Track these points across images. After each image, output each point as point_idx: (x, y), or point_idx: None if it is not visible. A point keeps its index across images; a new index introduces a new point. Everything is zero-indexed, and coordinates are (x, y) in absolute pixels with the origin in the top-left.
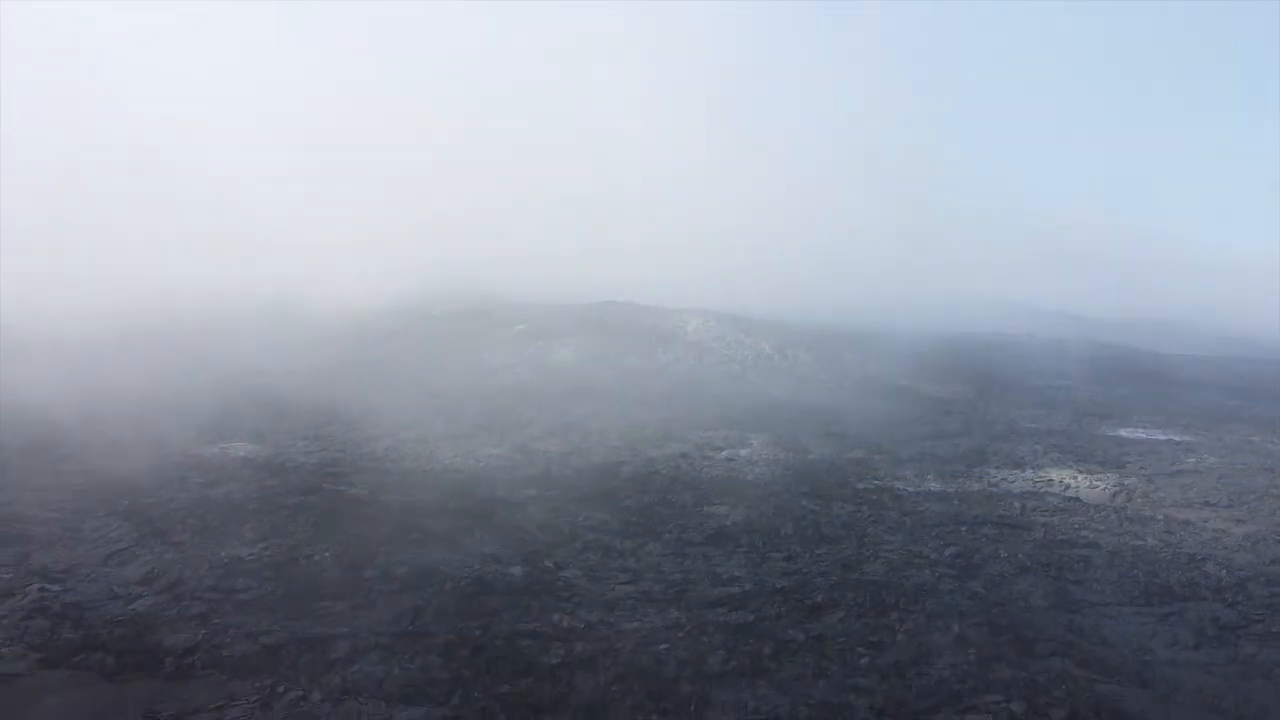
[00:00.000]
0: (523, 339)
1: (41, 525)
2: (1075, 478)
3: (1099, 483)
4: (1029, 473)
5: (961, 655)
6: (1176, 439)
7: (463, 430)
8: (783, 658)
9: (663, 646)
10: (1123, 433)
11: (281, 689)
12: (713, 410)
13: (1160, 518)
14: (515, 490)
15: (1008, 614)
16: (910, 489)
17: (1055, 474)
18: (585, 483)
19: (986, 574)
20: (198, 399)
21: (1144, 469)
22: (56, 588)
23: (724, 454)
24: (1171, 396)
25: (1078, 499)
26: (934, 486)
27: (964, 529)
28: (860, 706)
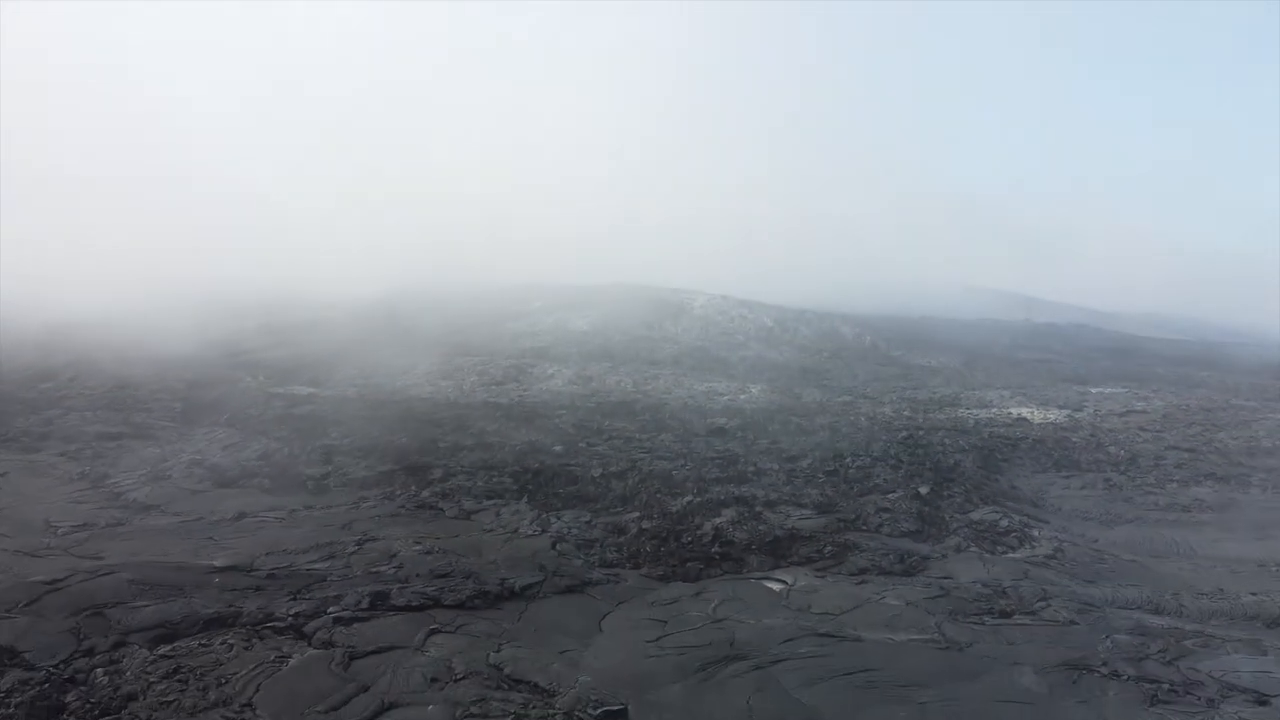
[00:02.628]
0: (541, 312)
1: (160, 431)
2: (1032, 412)
3: (1051, 415)
4: (993, 410)
5: (893, 476)
6: (1138, 393)
7: (494, 379)
8: (761, 476)
9: (673, 471)
10: (1091, 390)
11: (398, 492)
12: (717, 369)
13: (1090, 428)
14: (549, 410)
15: (938, 466)
16: (885, 415)
17: (1015, 410)
18: (606, 410)
19: (930, 451)
20: (255, 357)
21: (1097, 410)
22: (199, 457)
23: (725, 397)
24: (1147, 368)
25: (1027, 420)
26: (906, 414)
27: (921, 431)
28: (813, 494)
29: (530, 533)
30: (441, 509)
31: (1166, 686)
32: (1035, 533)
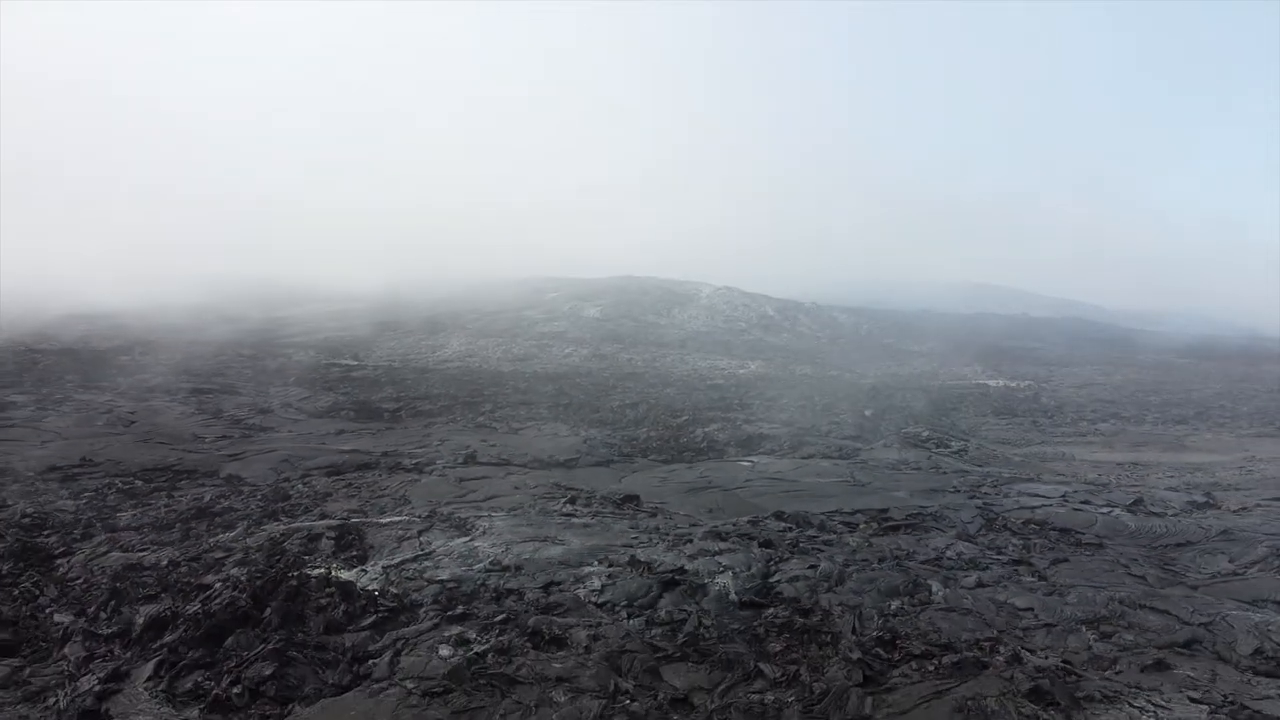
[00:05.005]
0: (557, 301)
1: (243, 388)
2: (998, 382)
3: (1013, 383)
4: (962, 380)
5: (850, 408)
6: (1106, 372)
7: (517, 356)
8: (744, 408)
9: (675, 405)
10: (1062, 369)
11: (459, 418)
12: (720, 350)
13: (1036, 390)
14: (570, 375)
15: (891, 404)
16: (864, 382)
17: (981, 380)
18: (620, 376)
19: (892, 399)
20: (296, 340)
21: (1062, 382)
22: (288, 402)
23: (725, 370)
24: (1128, 355)
25: (987, 385)
26: (886, 380)
27: (888, 387)
28: (782, 416)
29: (566, 436)
30: (495, 427)
31: (984, 491)
32: (952, 443)
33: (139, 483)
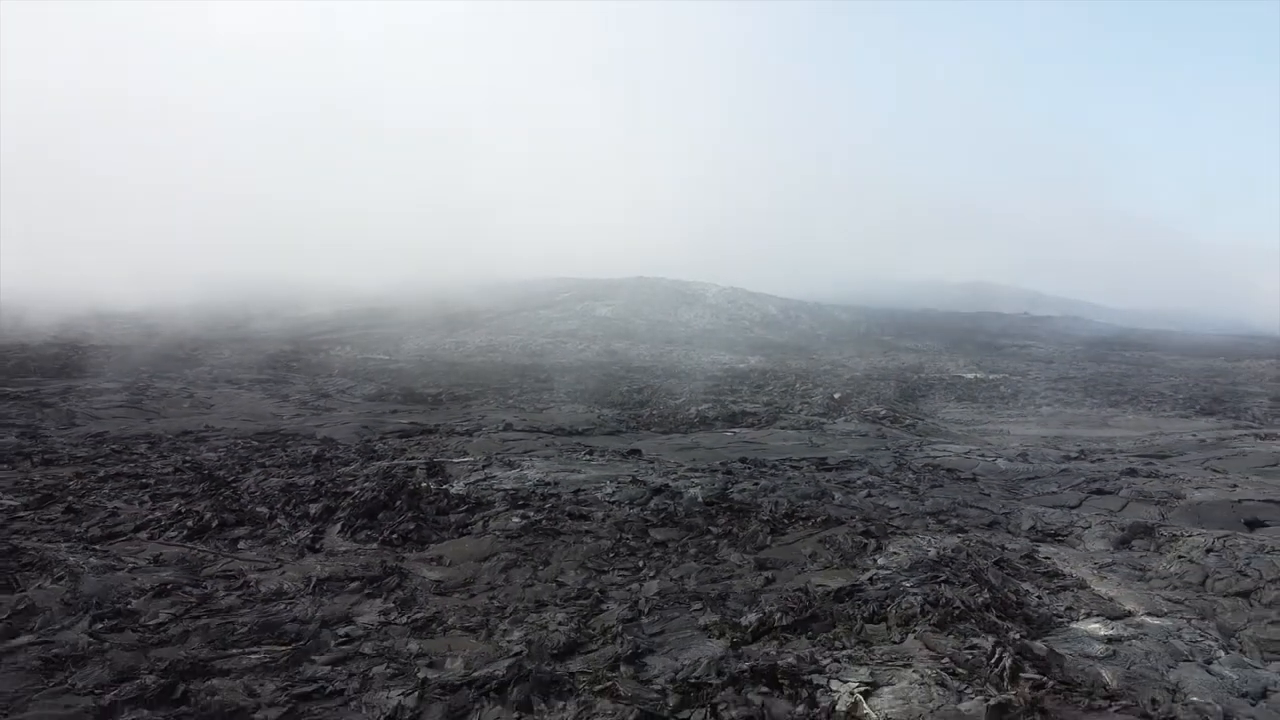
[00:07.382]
0: (570, 301)
1: (294, 378)
2: (974, 374)
3: (988, 374)
4: (942, 373)
5: (827, 393)
6: (1081, 366)
7: (534, 352)
8: (734, 393)
9: (676, 391)
10: (1047, 364)
11: (491, 401)
12: (724, 347)
13: (1003, 381)
14: (583, 368)
15: (866, 393)
16: (850, 374)
17: (962, 372)
18: (629, 369)
19: (865, 387)
20: (330, 337)
21: (1037, 375)
22: (341, 388)
23: (726, 365)
24: (1115, 351)
25: (961, 377)
26: (870, 373)
27: (868, 377)
28: (764, 399)
29: (583, 413)
30: (523, 407)
31: (909, 451)
32: (906, 420)
33: (255, 442)
